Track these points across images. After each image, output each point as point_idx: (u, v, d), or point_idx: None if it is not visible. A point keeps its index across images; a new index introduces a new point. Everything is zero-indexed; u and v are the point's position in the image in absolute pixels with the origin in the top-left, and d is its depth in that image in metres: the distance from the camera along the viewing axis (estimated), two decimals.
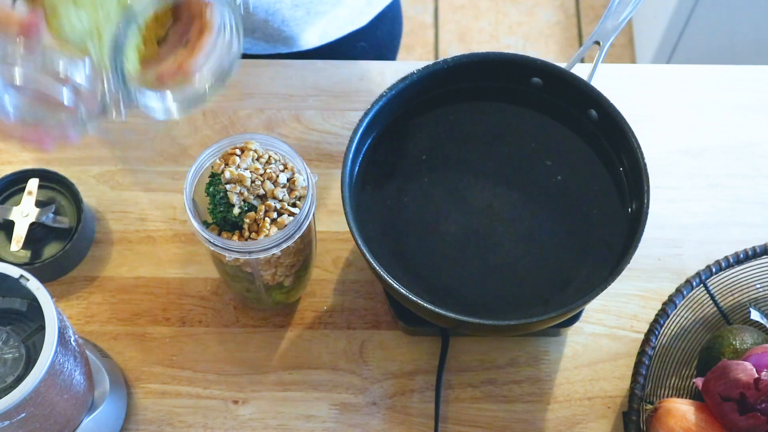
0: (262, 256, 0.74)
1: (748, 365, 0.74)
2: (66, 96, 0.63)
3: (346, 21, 1.06)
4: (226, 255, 0.75)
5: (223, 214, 0.75)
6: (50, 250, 0.89)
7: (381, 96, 0.83)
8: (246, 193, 0.75)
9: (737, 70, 1.03)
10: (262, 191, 0.76)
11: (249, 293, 0.85)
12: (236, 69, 0.67)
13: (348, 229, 0.77)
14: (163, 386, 0.87)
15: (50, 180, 0.92)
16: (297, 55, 1.05)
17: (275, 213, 0.75)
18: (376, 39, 1.12)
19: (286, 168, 0.78)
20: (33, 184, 0.90)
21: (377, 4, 1.08)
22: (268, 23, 1.00)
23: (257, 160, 0.77)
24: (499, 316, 0.79)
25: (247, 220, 0.75)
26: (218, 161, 0.77)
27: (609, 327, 0.89)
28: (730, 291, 0.87)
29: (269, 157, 0.77)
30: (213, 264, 0.85)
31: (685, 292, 0.84)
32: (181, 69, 0.66)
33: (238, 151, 0.77)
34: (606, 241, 0.81)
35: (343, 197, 0.78)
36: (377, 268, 0.76)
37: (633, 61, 2.11)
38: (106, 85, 0.63)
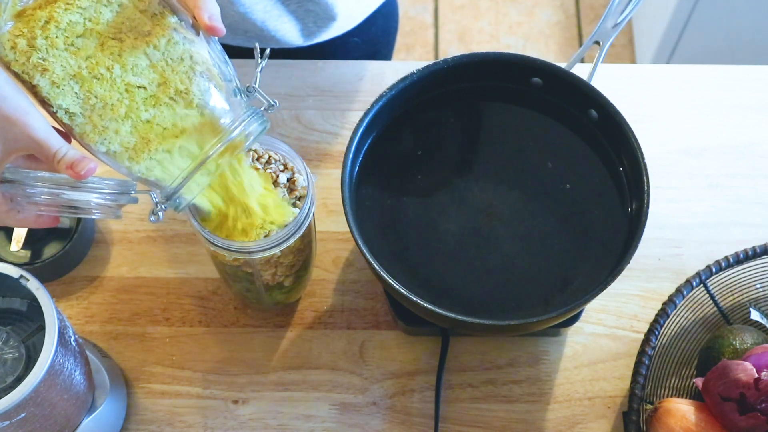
0: (262, 256, 0.74)
1: (748, 365, 0.74)
2: (96, 214, 0.67)
3: (340, 25, 1.06)
4: (226, 255, 0.75)
5: None
6: (50, 250, 0.89)
7: (381, 96, 0.83)
8: None
9: (737, 70, 1.03)
10: None
11: (249, 293, 0.85)
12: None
13: (348, 229, 0.77)
14: (163, 386, 0.87)
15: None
16: (289, 51, 1.05)
17: None
18: (370, 35, 1.11)
19: (286, 168, 0.78)
20: None
21: (370, 7, 1.08)
22: (264, 28, 1.00)
23: (257, 160, 0.77)
24: (499, 316, 0.79)
25: None
26: None
27: (609, 327, 0.89)
28: (730, 291, 0.87)
29: (269, 157, 0.77)
30: (213, 264, 0.85)
31: (685, 292, 0.84)
32: None
33: None
34: (606, 241, 0.81)
35: (343, 197, 0.78)
36: (377, 268, 0.76)
37: (633, 61, 2.11)
38: (153, 199, 0.66)
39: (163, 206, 0.65)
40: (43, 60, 0.61)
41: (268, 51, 0.68)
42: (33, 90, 0.63)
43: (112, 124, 0.63)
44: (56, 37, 0.61)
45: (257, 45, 0.68)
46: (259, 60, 0.68)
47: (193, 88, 0.63)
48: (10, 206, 0.66)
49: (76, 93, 0.62)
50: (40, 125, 0.63)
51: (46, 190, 0.65)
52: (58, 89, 0.62)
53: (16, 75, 0.62)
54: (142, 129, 0.63)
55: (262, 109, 0.67)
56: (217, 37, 0.66)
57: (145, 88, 0.63)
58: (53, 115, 0.63)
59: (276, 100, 0.67)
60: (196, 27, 0.65)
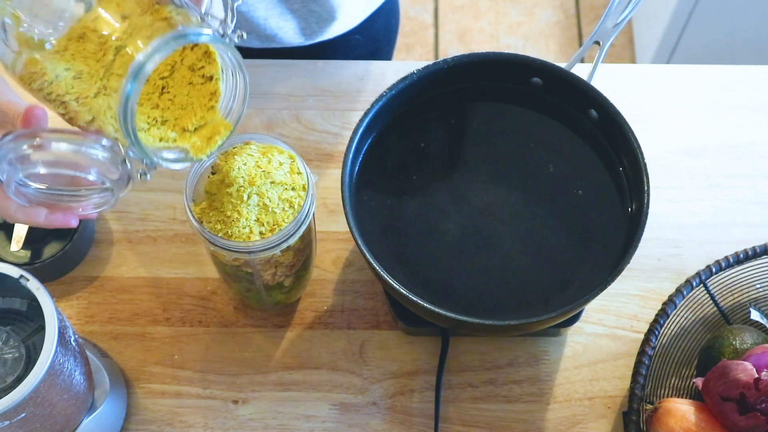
0: (262, 256, 0.74)
1: (748, 365, 0.74)
2: (93, 176, 0.62)
3: (341, 25, 1.06)
4: (226, 255, 0.75)
5: None
6: (50, 250, 0.89)
7: (381, 96, 0.83)
8: None
9: (737, 70, 1.03)
10: None
11: (249, 293, 0.85)
12: (245, 108, 0.67)
13: (348, 229, 0.77)
14: (163, 386, 0.87)
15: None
16: (290, 50, 1.05)
17: None
18: (371, 33, 1.12)
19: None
20: None
21: (371, 6, 1.08)
22: (265, 27, 1.00)
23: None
24: (499, 316, 0.79)
25: None
26: (219, 161, 0.77)
27: (609, 327, 0.89)
28: (730, 291, 0.87)
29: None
30: (213, 264, 0.85)
31: (685, 292, 0.84)
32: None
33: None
34: (606, 241, 0.81)
35: (343, 197, 0.78)
36: (377, 268, 0.76)
37: (633, 61, 2.11)
38: (124, 152, 0.62)
39: (129, 153, 0.62)
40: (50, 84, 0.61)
41: None
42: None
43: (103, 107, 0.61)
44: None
45: None
46: None
47: None
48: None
49: (75, 99, 0.62)
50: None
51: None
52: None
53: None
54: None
55: (215, 30, 0.62)
56: None
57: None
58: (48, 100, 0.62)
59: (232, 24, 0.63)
60: None
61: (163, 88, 0.64)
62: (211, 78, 0.65)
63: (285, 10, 0.99)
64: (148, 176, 0.64)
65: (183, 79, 0.64)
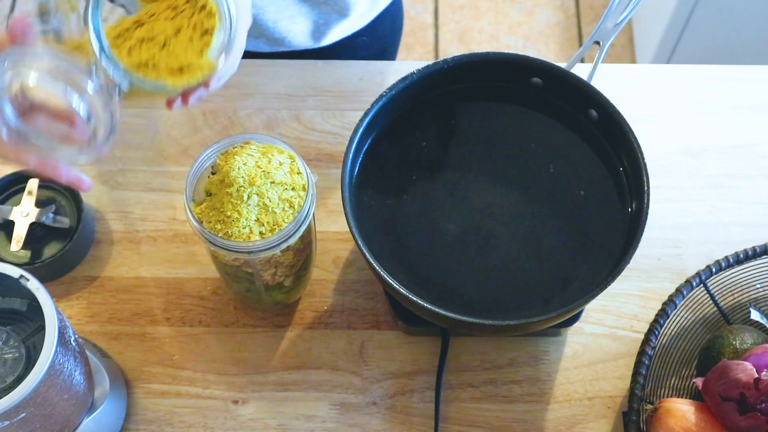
0: (262, 256, 0.74)
1: (748, 365, 0.74)
2: (76, 101, 0.64)
3: (350, 25, 1.06)
4: (226, 255, 0.75)
5: None
6: (50, 250, 0.89)
7: (381, 96, 0.83)
8: None
9: (737, 70, 1.03)
10: None
11: (249, 293, 0.85)
12: (235, 45, 0.69)
13: (348, 229, 0.77)
14: (163, 386, 0.87)
15: (50, 180, 0.91)
16: (299, 53, 1.05)
17: None
18: (377, 34, 1.12)
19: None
20: (33, 184, 0.90)
21: (379, 6, 1.08)
22: (275, 30, 1.00)
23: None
24: (499, 316, 0.79)
25: None
26: (219, 161, 0.77)
27: (609, 327, 0.89)
28: (730, 291, 0.87)
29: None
30: (213, 264, 0.85)
31: (685, 292, 0.84)
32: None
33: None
34: (606, 240, 0.81)
35: (343, 197, 0.78)
36: (377, 268, 0.76)
37: (633, 61, 2.11)
38: (98, 58, 0.65)
39: (102, 62, 0.65)
40: None
41: None
42: None
43: None
44: None
45: None
46: None
47: None
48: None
49: None
50: None
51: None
52: None
53: None
54: None
55: None
56: None
57: None
58: None
59: None
60: None
61: (164, 44, 0.67)
62: (207, 31, 0.68)
63: (295, 12, 0.99)
64: (118, 94, 0.66)
65: (185, 37, 0.68)
